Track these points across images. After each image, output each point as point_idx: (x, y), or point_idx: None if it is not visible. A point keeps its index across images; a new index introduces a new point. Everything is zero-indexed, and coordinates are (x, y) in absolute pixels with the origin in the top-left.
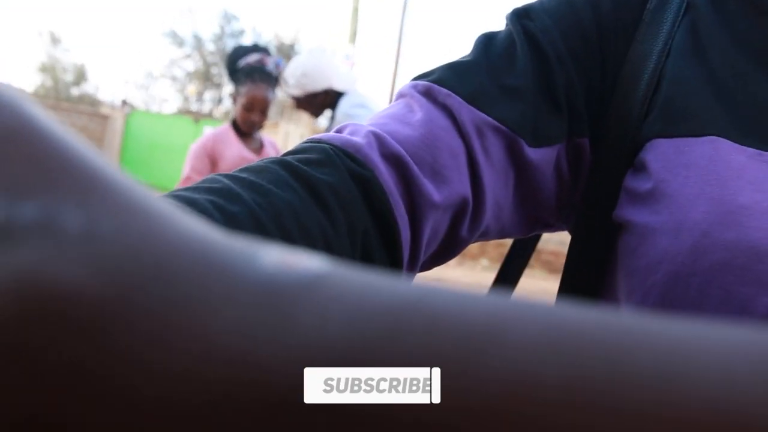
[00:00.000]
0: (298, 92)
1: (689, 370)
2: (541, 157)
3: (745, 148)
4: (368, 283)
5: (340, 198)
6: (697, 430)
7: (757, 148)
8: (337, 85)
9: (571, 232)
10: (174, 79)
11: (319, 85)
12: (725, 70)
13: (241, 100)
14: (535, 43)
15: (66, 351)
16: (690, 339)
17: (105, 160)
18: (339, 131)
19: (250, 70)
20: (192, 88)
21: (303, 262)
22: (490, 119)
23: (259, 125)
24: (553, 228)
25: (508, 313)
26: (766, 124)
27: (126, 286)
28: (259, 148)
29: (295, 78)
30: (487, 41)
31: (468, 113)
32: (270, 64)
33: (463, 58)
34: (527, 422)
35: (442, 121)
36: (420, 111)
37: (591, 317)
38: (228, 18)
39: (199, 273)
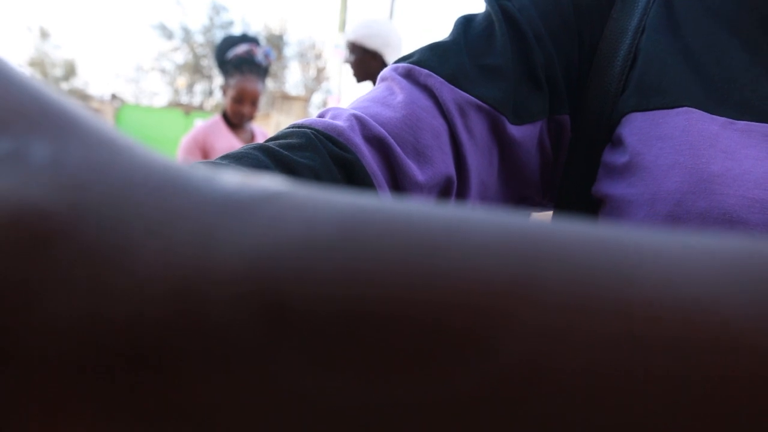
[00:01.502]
0: (352, 38)
1: (645, 270)
2: (524, 134)
3: (717, 117)
4: (326, 195)
5: (321, 181)
6: (648, 326)
7: (729, 117)
8: (389, 58)
9: (554, 210)
10: (164, 71)
11: (371, 42)
12: (698, 42)
13: (231, 92)
14: (514, 22)
15: (21, 265)
16: (648, 242)
17: (72, 102)
18: (321, 116)
19: (239, 62)
20: (182, 81)
21: (262, 181)
22: (471, 98)
23: (249, 117)
24: (540, 207)
25: (465, 217)
26: (738, 93)
27: (86, 207)
28: (250, 139)
29: (355, 25)
30: (465, 22)
31: (449, 93)
32: (259, 54)
33: (442, 39)
34: (481, 315)
35: (423, 101)
36: (401, 93)
37: (548, 224)
38: (217, 9)
39: (159, 193)
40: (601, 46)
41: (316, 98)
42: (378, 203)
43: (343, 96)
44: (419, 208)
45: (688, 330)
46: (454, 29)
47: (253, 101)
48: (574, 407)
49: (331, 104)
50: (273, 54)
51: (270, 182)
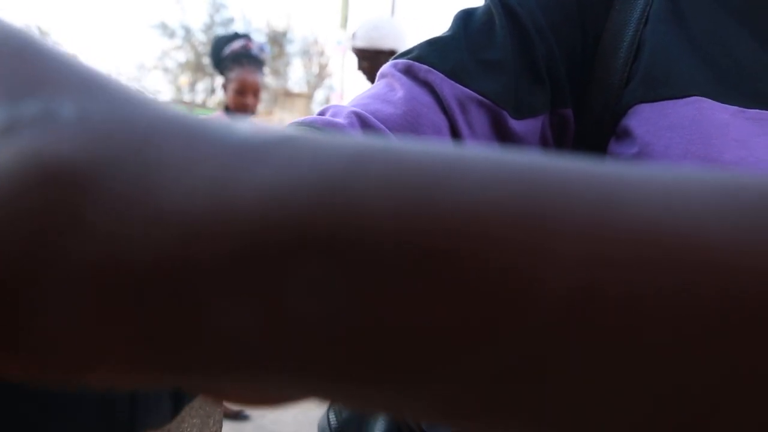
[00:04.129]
0: (364, 45)
1: (630, 196)
2: (526, 128)
3: (728, 106)
4: (337, 138)
5: None
6: (630, 247)
7: (740, 106)
8: None
9: None
10: (166, 70)
11: (386, 43)
12: (704, 32)
13: (232, 86)
14: (514, 16)
15: (53, 209)
16: (644, 174)
17: (92, 66)
18: (322, 113)
19: (236, 56)
20: (184, 79)
21: (276, 127)
22: (472, 93)
23: (252, 109)
24: None
25: (467, 153)
26: (747, 82)
27: (111, 159)
28: None
29: (366, 31)
30: (465, 17)
31: (450, 88)
32: (255, 48)
33: (442, 34)
34: (485, 242)
35: (424, 97)
36: (401, 89)
37: (541, 157)
38: (217, 7)
39: (178, 142)
40: (604, 38)
41: (319, 95)
42: (384, 143)
43: (346, 93)
44: (417, 144)
45: (686, 253)
46: (453, 23)
47: (255, 92)
48: (618, 331)
49: (334, 101)
50: (268, 48)
51: (282, 128)
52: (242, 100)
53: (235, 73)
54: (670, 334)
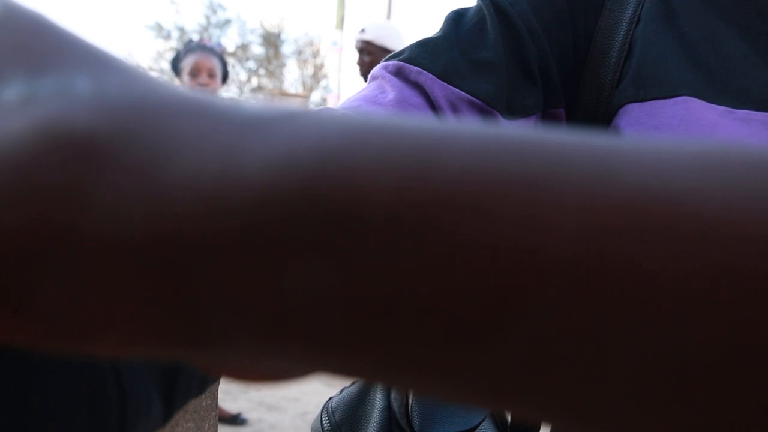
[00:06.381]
0: (371, 38)
1: (623, 166)
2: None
3: (716, 106)
4: (338, 114)
5: None
6: (626, 216)
7: (728, 106)
8: None
9: None
10: (161, 71)
11: (392, 42)
12: (696, 31)
13: (186, 71)
14: (505, 16)
15: (67, 175)
16: (630, 145)
17: (107, 46)
18: None
19: (187, 49)
20: (179, 80)
21: (280, 105)
22: (463, 94)
23: (211, 91)
24: None
25: (463, 127)
26: (737, 82)
27: (124, 129)
28: None
29: (374, 29)
30: (457, 17)
31: (440, 89)
32: (210, 43)
33: (433, 35)
34: (481, 213)
35: (415, 99)
36: (392, 91)
37: (535, 131)
38: (213, 8)
39: (187, 116)
40: (596, 37)
41: (315, 96)
42: (383, 119)
43: (343, 94)
44: (421, 121)
45: (680, 221)
46: (444, 24)
47: (210, 73)
48: (619, 297)
49: (330, 102)
50: (223, 45)
51: (287, 106)
52: (196, 82)
53: (186, 61)
54: (667, 298)
